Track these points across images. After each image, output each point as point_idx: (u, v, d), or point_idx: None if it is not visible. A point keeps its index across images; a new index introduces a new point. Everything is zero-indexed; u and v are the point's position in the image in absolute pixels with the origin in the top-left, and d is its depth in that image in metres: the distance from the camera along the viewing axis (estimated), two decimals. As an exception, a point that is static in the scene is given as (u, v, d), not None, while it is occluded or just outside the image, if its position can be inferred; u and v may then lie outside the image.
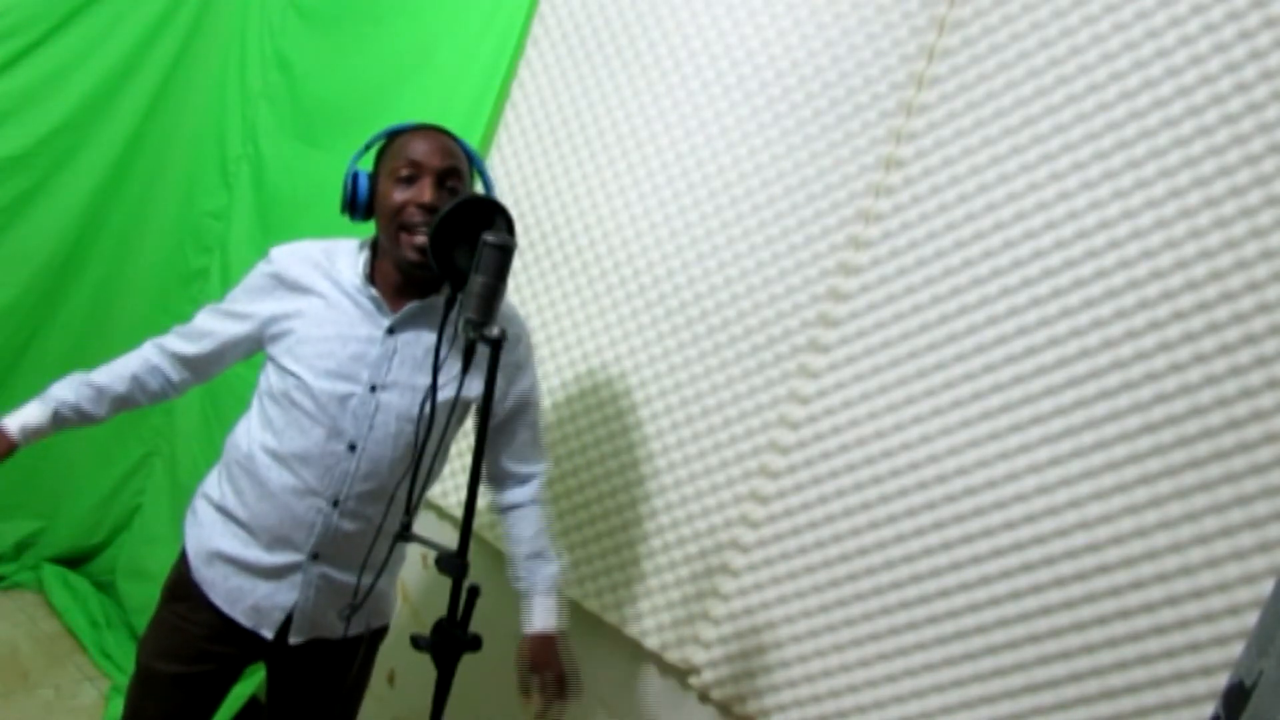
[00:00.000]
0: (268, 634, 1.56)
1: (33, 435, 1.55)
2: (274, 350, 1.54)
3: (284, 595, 1.56)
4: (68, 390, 1.58)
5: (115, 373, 1.61)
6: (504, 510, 1.68)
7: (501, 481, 1.68)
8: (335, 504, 1.53)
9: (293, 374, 1.50)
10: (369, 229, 1.55)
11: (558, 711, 1.56)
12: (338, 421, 1.50)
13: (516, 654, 1.58)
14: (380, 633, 1.70)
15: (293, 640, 1.58)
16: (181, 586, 1.58)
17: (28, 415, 1.55)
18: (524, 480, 1.67)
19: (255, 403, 1.58)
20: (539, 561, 1.63)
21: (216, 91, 2.79)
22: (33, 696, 2.42)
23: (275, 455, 1.51)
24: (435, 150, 1.47)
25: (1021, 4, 1.54)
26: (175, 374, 1.64)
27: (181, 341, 1.63)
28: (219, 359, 1.63)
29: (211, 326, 1.61)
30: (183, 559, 1.59)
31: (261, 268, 1.58)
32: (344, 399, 1.50)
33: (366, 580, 1.51)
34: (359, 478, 1.52)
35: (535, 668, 1.56)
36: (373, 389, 1.50)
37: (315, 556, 1.55)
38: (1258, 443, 1.33)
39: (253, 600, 1.55)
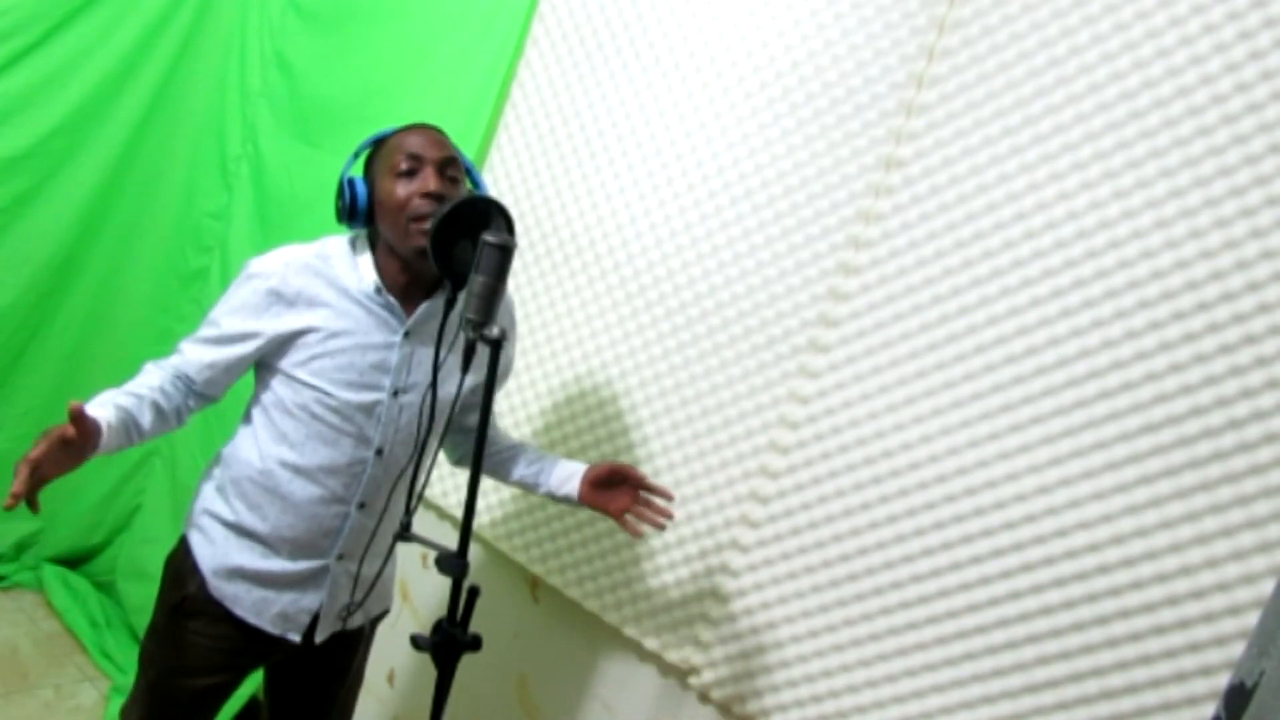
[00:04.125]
0: (295, 637, 1.57)
1: (106, 433, 1.34)
2: (283, 364, 1.48)
3: (310, 598, 1.57)
4: (108, 396, 1.41)
5: (140, 383, 1.46)
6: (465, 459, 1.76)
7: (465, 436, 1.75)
8: (361, 506, 1.55)
9: (313, 387, 1.47)
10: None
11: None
12: (364, 430, 1.51)
13: (591, 493, 1.61)
14: (383, 615, 1.76)
15: (319, 638, 1.60)
16: (195, 603, 1.54)
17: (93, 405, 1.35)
18: None
19: (259, 416, 1.53)
20: (525, 445, 1.74)
21: (216, 91, 2.79)
22: (33, 696, 2.42)
23: (296, 469, 1.50)
24: (432, 142, 1.47)
25: (1021, 4, 1.54)
26: (194, 391, 1.53)
27: (184, 367, 1.51)
28: (223, 386, 1.54)
29: (208, 357, 1.49)
30: (193, 575, 1.54)
31: (255, 284, 1.47)
32: (370, 408, 1.50)
33: (377, 567, 1.57)
34: (384, 479, 1.55)
35: (616, 478, 1.61)
36: (395, 394, 1.51)
37: (340, 557, 1.57)
38: (1258, 443, 1.33)
39: (279, 608, 1.55)
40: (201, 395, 1.54)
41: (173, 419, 1.50)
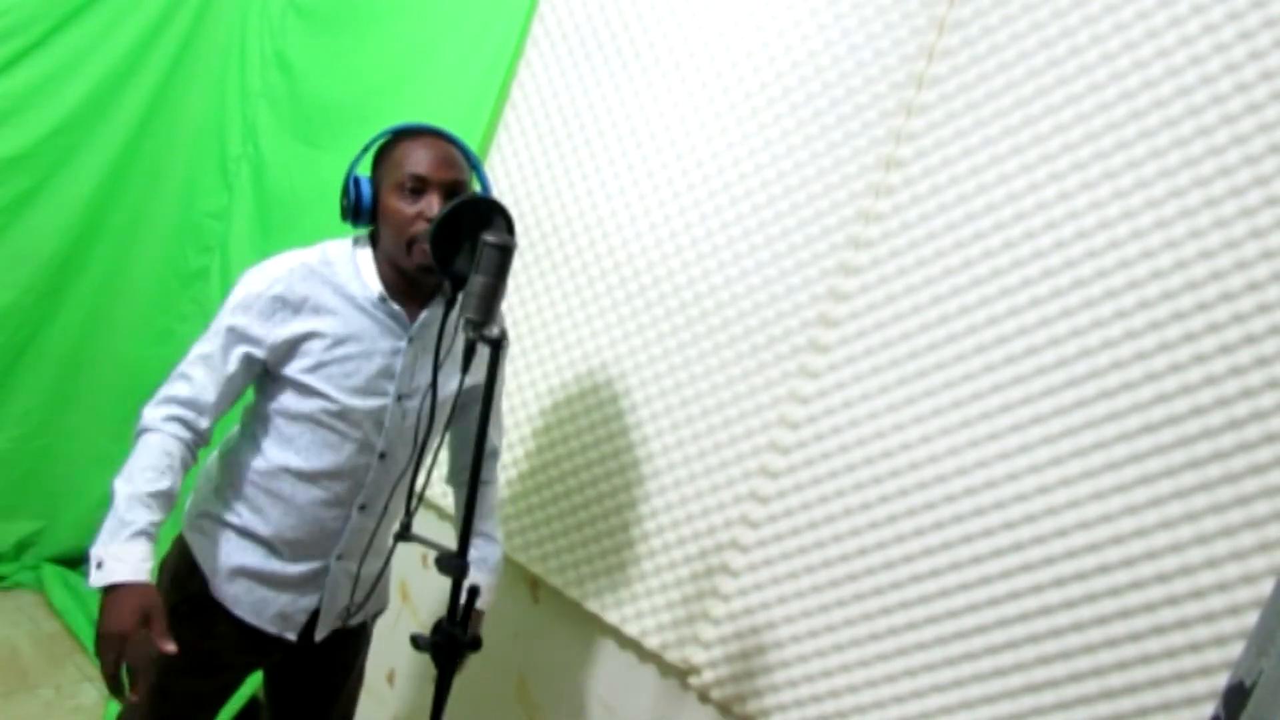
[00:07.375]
0: (292, 636, 1.58)
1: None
2: (288, 371, 1.47)
3: (308, 598, 1.58)
4: (146, 511, 1.37)
5: (164, 468, 1.41)
6: (460, 483, 1.74)
7: (463, 456, 1.74)
8: (362, 508, 1.56)
9: (319, 394, 1.47)
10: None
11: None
12: (369, 435, 1.51)
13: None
14: (380, 612, 1.77)
15: (319, 637, 1.61)
16: (196, 604, 1.53)
17: (142, 554, 1.36)
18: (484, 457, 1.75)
19: (261, 421, 1.52)
20: (485, 541, 1.70)
21: (216, 91, 2.79)
22: (33, 696, 2.42)
23: (300, 474, 1.50)
24: (440, 162, 1.45)
25: (1021, 4, 1.54)
26: (205, 434, 1.49)
27: (198, 415, 1.47)
28: (229, 405, 1.51)
29: (216, 375, 1.46)
30: (194, 576, 1.54)
31: (260, 293, 1.45)
32: (376, 413, 1.50)
33: (378, 566, 1.58)
34: (385, 481, 1.56)
35: None
36: (399, 399, 1.52)
37: (339, 557, 1.58)
38: (1258, 443, 1.33)
39: (278, 608, 1.55)
40: (211, 426, 1.50)
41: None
